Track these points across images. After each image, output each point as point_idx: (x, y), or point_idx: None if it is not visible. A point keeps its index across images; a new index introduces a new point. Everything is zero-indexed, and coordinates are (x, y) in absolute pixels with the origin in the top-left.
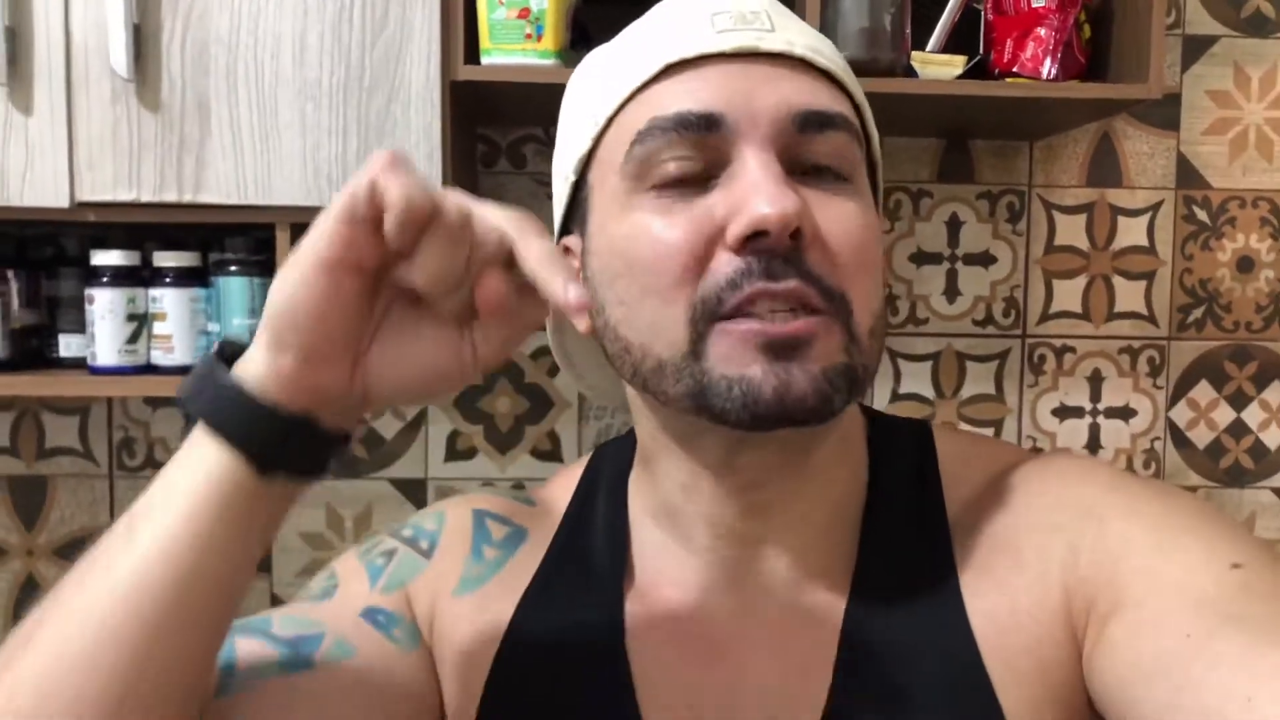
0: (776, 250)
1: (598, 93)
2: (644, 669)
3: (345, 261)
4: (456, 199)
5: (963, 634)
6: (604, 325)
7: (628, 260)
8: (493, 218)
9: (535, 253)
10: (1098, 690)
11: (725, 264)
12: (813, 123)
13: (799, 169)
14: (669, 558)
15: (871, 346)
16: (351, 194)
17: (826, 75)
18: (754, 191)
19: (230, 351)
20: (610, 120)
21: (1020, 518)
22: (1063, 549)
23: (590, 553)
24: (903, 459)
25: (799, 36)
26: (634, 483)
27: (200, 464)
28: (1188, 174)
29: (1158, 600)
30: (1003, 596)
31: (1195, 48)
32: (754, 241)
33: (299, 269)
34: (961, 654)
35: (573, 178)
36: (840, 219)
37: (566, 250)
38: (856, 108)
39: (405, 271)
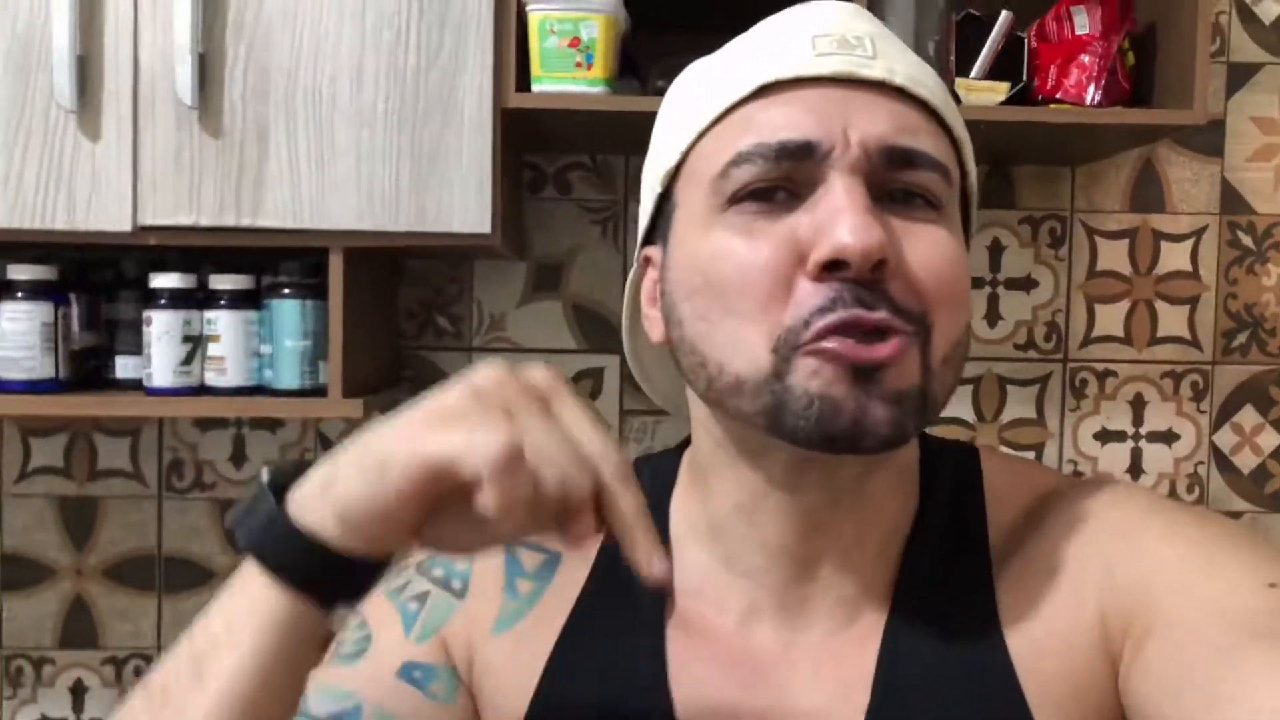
0: (861, 281)
1: (691, 107)
2: (687, 700)
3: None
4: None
5: (1000, 658)
6: (679, 338)
7: (709, 278)
8: (597, 455)
9: (629, 509)
10: (1132, 708)
11: (812, 294)
12: (903, 160)
13: (888, 195)
14: (712, 580)
15: (945, 375)
16: (494, 465)
17: (925, 106)
18: (838, 219)
19: (281, 481)
20: (702, 134)
21: (1058, 542)
22: (1099, 572)
23: (632, 582)
24: (950, 483)
25: (900, 65)
26: (679, 501)
27: (264, 604)
28: (1232, 199)
29: (1192, 618)
30: (1039, 620)
31: (1240, 75)
32: (835, 270)
33: (397, 484)
34: (998, 678)
35: (659, 189)
36: (926, 248)
37: (647, 261)
38: (955, 141)
39: (485, 504)
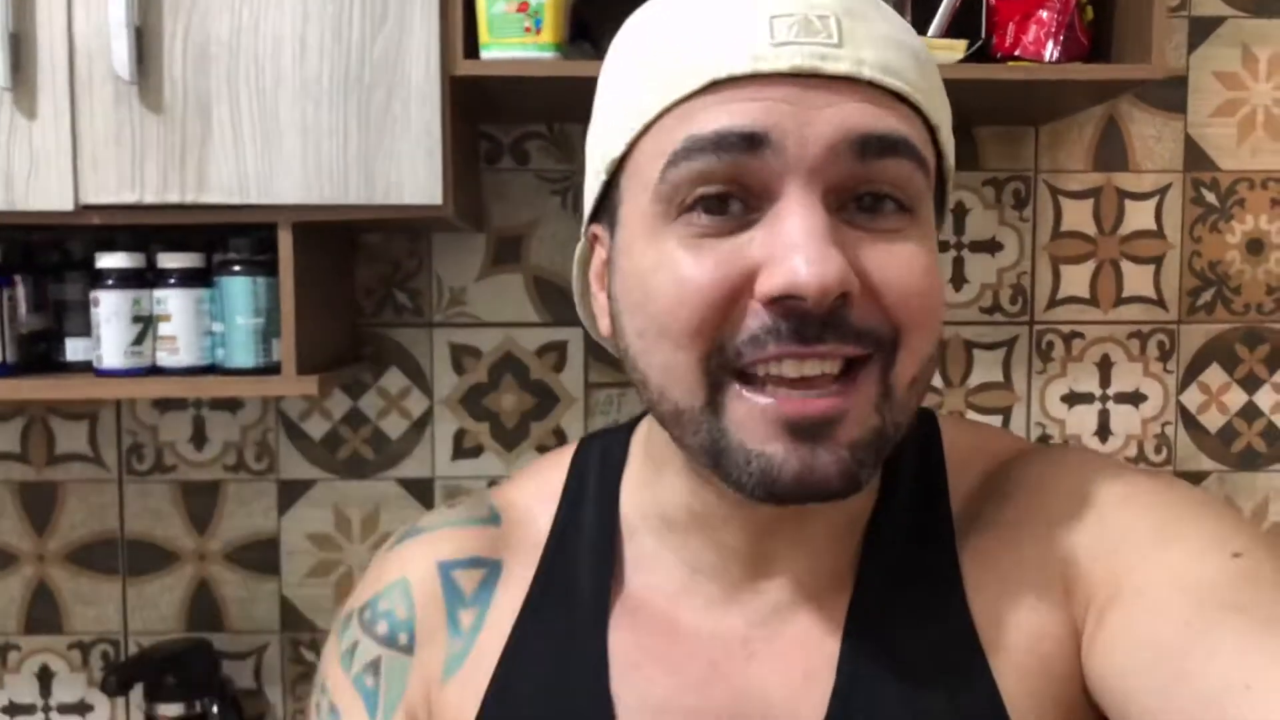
0: (812, 314)
1: (636, 86)
2: (635, 701)
3: None
4: None
5: (964, 629)
6: (624, 349)
7: (648, 294)
8: None
9: None
10: (1095, 679)
11: (751, 317)
12: (873, 148)
13: (854, 200)
14: (665, 572)
15: (908, 400)
16: None
17: (898, 94)
18: (793, 248)
19: None
20: (647, 128)
21: (1022, 510)
22: (1063, 541)
23: (575, 575)
24: (910, 453)
25: (869, 50)
26: (631, 486)
27: None
28: (1196, 156)
29: (1157, 589)
30: (1004, 590)
31: (1202, 29)
32: (787, 302)
33: None
34: (964, 651)
35: (604, 177)
36: (895, 265)
37: (595, 238)
38: (932, 128)
39: None
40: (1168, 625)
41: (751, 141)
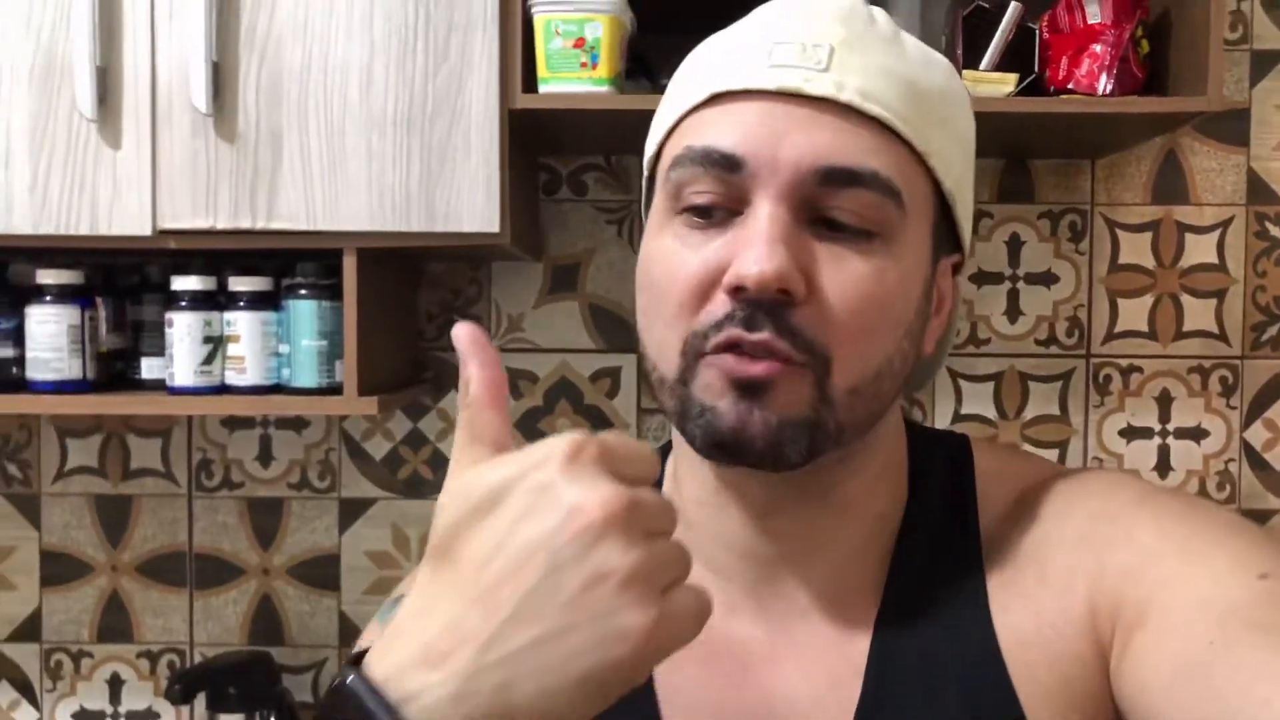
0: (760, 303)
1: (669, 102)
2: (670, 693)
3: None
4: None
5: (989, 648)
6: (636, 324)
7: (651, 277)
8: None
9: None
10: (1124, 698)
11: (718, 305)
12: (835, 179)
13: (821, 218)
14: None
15: (852, 406)
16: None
17: (881, 121)
18: (748, 246)
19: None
20: (669, 133)
21: (1049, 532)
22: (1089, 562)
23: None
24: (941, 476)
25: (854, 76)
26: (664, 493)
27: None
28: (1259, 189)
29: (1183, 609)
30: (1029, 610)
31: (1264, 62)
32: (740, 292)
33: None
34: (988, 668)
35: (646, 174)
36: (844, 279)
37: None
38: (919, 154)
39: None
40: (1192, 644)
41: (729, 163)
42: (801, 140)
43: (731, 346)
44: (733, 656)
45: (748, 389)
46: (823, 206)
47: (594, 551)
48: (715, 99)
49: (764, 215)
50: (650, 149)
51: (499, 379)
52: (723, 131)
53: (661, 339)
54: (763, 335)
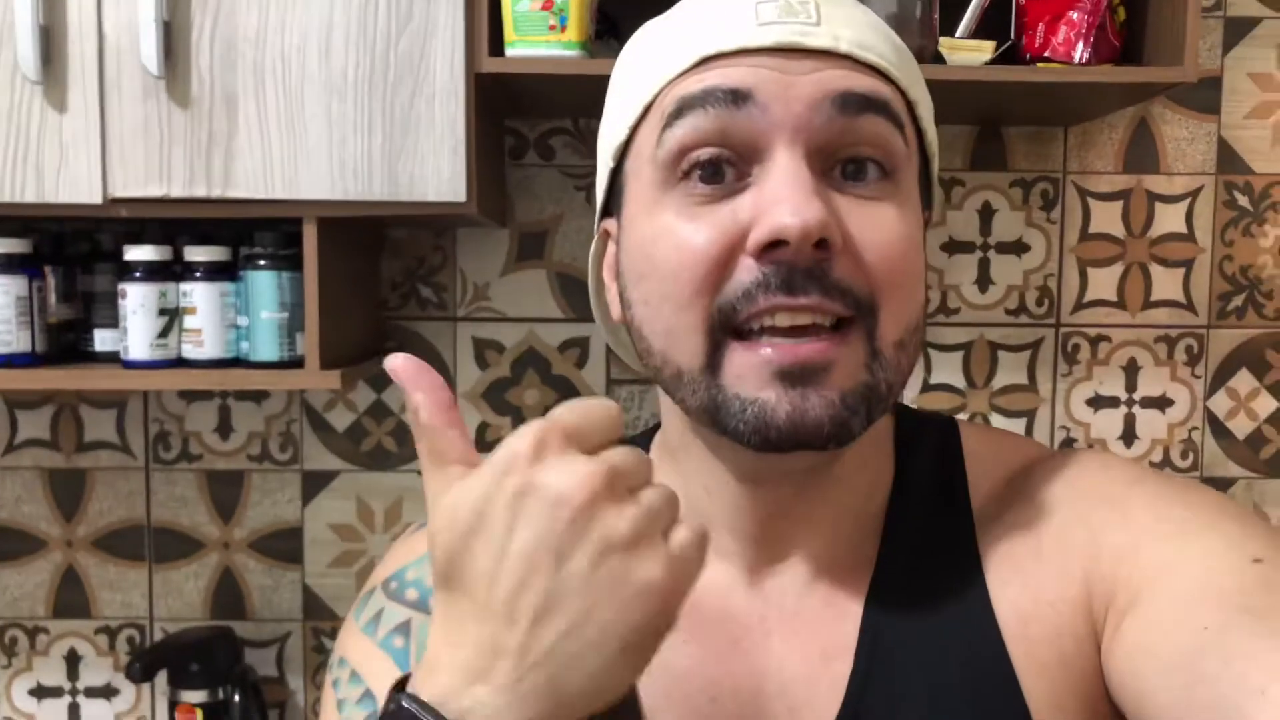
0: (798, 261)
1: (637, 79)
2: (659, 669)
3: None
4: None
5: (987, 623)
6: (631, 320)
7: (652, 262)
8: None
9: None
10: (1115, 681)
11: (745, 272)
12: (853, 104)
13: (838, 163)
14: None
15: (899, 360)
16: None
17: (874, 69)
18: (778, 199)
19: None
20: (647, 108)
21: (1044, 510)
22: (1084, 542)
23: None
24: (928, 455)
25: (846, 29)
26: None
27: None
28: (1228, 159)
29: (1176, 593)
30: (1026, 587)
31: (1237, 30)
32: (774, 251)
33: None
34: (985, 643)
35: (611, 165)
36: (876, 227)
37: (606, 234)
38: (910, 103)
39: None
40: (1185, 629)
41: (737, 97)
42: (812, 77)
43: (769, 316)
44: (725, 632)
45: (798, 375)
46: (839, 146)
47: (591, 530)
48: (703, 64)
49: (786, 164)
50: (618, 136)
51: (446, 398)
52: (722, 76)
53: (674, 325)
54: (810, 298)
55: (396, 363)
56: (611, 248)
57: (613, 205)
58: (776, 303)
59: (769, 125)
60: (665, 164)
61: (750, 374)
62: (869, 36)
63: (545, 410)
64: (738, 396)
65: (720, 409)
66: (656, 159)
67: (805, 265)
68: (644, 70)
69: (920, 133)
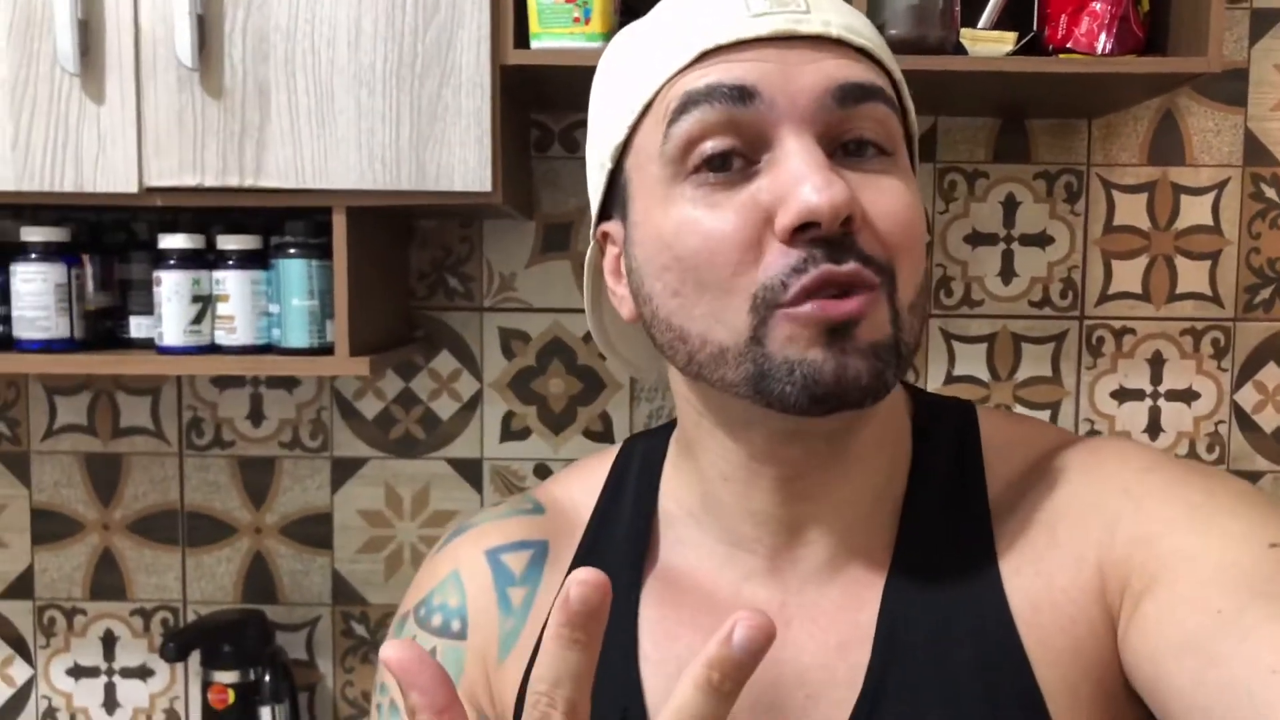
0: (831, 238)
1: (631, 79)
2: (666, 659)
3: None
4: None
5: (1001, 611)
6: (652, 315)
7: (677, 253)
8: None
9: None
10: (1131, 666)
11: (777, 254)
12: (852, 95)
13: (840, 146)
14: (705, 553)
15: (912, 322)
16: None
17: (863, 53)
18: (800, 180)
19: None
20: (646, 107)
21: (1059, 498)
22: (1099, 528)
23: (612, 552)
24: (946, 440)
25: (835, 15)
26: (668, 478)
27: None
28: (1255, 150)
29: (1192, 577)
30: (1040, 575)
31: (1264, 21)
32: (805, 232)
33: None
34: (999, 631)
35: (609, 165)
36: (887, 199)
37: (605, 236)
38: (895, 84)
39: None
40: (1200, 612)
41: (742, 94)
42: (810, 69)
43: (816, 290)
44: None
45: (838, 331)
46: (843, 130)
47: None
48: (703, 59)
49: (798, 149)
50: (615, 137)
51: (444, 698)
52: (724, 72)
53: (716, 308)
54: (852, 266)
55: (389, 654)
56: (613, 250)
57: (612, 207)
58: (826, 272)
59: (776, 118)
60: (673, 158)
61: (800, 335)
62: (853, 20)
63: (570, 399)
64: (786, 360)
65: (766, 376)
66: (664, 154)
67: (838, 240)
68: (637, 71)
69: (904, 111)
